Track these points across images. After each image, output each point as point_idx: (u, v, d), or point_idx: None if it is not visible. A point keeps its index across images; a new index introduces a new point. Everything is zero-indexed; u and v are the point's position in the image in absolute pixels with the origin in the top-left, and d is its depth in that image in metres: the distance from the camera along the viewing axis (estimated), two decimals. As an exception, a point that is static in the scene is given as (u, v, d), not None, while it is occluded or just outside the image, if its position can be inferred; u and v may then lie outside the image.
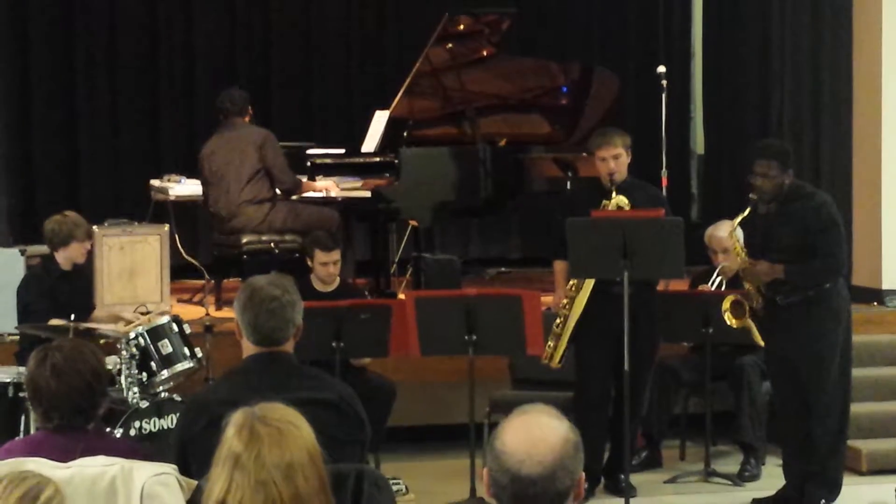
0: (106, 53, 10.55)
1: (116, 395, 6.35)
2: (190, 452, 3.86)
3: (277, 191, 8.70)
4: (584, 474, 2.51)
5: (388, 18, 11.12)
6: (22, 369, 6.21)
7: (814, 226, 6.48)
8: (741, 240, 6.67)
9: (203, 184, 8.75)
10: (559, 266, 7.07)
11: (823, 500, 6.59)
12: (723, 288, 7.30)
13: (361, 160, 9.21)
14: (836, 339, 6.54)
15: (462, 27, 9.36)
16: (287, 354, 3.97)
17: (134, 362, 6.48)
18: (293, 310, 3.93)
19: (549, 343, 6.86)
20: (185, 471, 3.82)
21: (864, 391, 7.93)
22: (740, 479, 7.29)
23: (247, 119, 8.66)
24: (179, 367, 6.66)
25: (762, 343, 6.88)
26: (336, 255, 7.23)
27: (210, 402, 3.94)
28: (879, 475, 7.37)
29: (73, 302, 6.81)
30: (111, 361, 6.44)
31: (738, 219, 6.60)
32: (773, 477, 7.00)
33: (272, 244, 8.55)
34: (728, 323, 6.79)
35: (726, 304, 6.79)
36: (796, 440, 6.67)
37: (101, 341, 6.55)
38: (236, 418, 2.79)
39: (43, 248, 7.21)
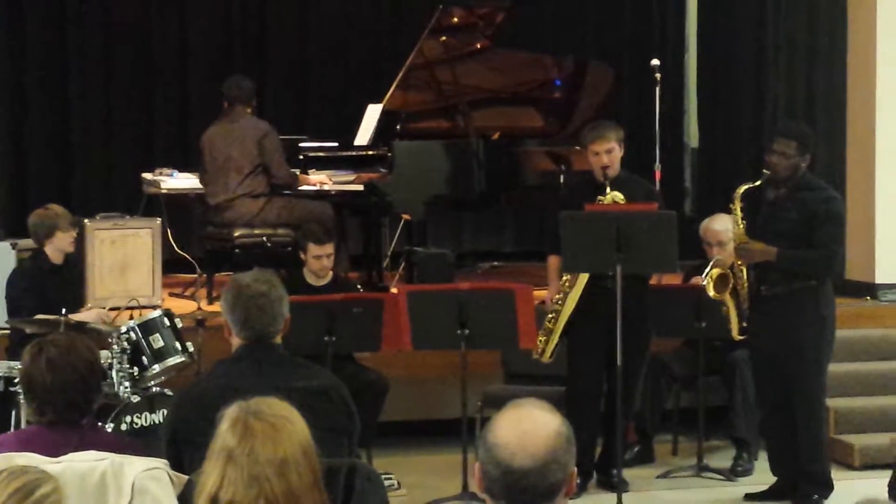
0: (99, 46, 10.52)
1: (108, 389, 6.33)
2: (181, 441, 3.90)
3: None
4: (576, 469, 2.50)
5: (381, 11, 11.10)
6: (12, 363, 6.19)
7: (818, 217, 6.46)
8: (741, 211, 6.59)
9: (201, 170, 8.71)
10: (553, 261, 7.06)
11: (816, 496, 6.59)
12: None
13: (354, 153, 9.20)
14: (819, 336, 6.53)
15: (456, 20, 9.34)
16: (277, 345, 4.03)
17: (125, 356, 6.47)
18: (281, 304, 3.99)
19: (541, 338, 6.86)
20: (176, 459, 3.86)
21: (857, 386, 7.94)
22: (733, 473, 7.28)
23: (249, 110, 8.63)
24: (171, 361, 6.65)
25: (737, 336, 6.87)
26: (329, 248, 7.22)
27: (202, 390, 4.01)
28: (872, 470, 7.37)
29: (64, 296, 6.79)
30: (102, 356, 6.41)
31: (746, 186, 6.55)
32: (765, 472, 6.99)
33: (264, 238, 8.53)
34: (706, 291, 6.74)
35: (713, 273, 6.76)
36: (780, 436, 6.67)
37: (92, 335, 6.51)
38: (230, 413, 2.78)
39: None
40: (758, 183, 6.54)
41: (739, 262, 6.70)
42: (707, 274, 6.78)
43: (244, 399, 2.83)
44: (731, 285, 6.72)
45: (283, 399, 3.70)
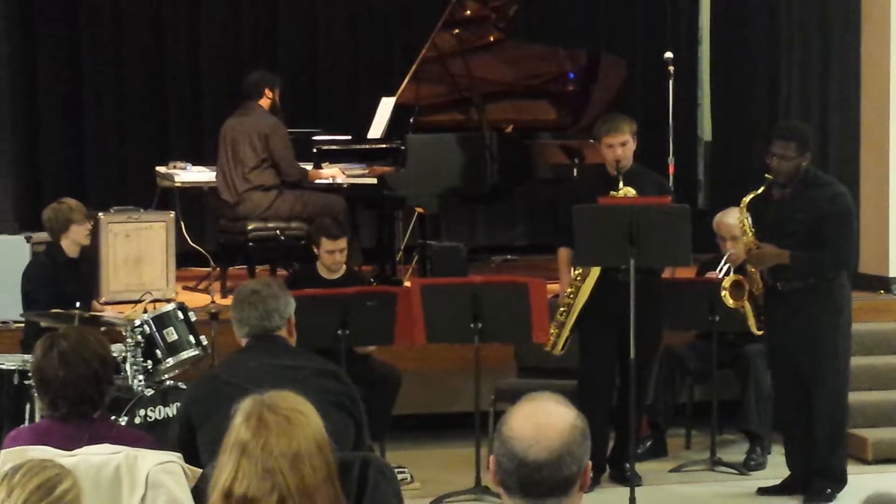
0: (112, 40, 10.53)
1: (121, 382, 6.34)
2: (195, 422, 4.05)
3: (284, 178, 8.70)
4: (590, 463, 2.50)
5: (394, 3, 11.09)
6: (27, 357, 6.21)
7: (827, 215, 6.43)
8: (749, 219, 6.59)
9: (217, 164, 8.74)
10: (563, 254, 7.05)
11: (829, 490, 6.58)
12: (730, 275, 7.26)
13: (367, 147, 9.20)
14: (836, 329, 6.51)
15: (469, 12, 9.33)
16: (281, 338, 4.23)
17: (139, 350, 6.48)
18: (276, 301, 4.20)
19: (553, 331, 6.85)
20: (188, 441, 4.01)
21: (871, 380, 7.91)
22: (746, 467, 7.27)
23: (265, 101, 8.62)
24: (185, 354, 6.65)
25: (757, 331, 6.85)
26: (342, 242, 7.22)
27: (215, 373, 4.30)
28: (885, 464, 7.36)
29: (79, 290, 6.80)
30: (116, 349, 6.44)
31: (750, 196, 6.53)
32: (778, 466, 6.99)
33: (278, 231, 8.54)
34: (724, 301, 6.74)
35: (726, 283, 6.75)
36: (797, 430, 6.66)
37: (106, 329, 6.52)
38: (244, 406, 2.79)
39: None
40: (761, 190, 6.51)
41: (752, 270, 6.68)
42: (720, 286, 6.75)
43: (257, 390, 2.84)
44: (746, 290, 6.70)
45: (293, 375, 3.84)
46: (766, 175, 6.49)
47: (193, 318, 6.79)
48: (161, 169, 9.40)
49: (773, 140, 6.55)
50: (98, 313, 6.83)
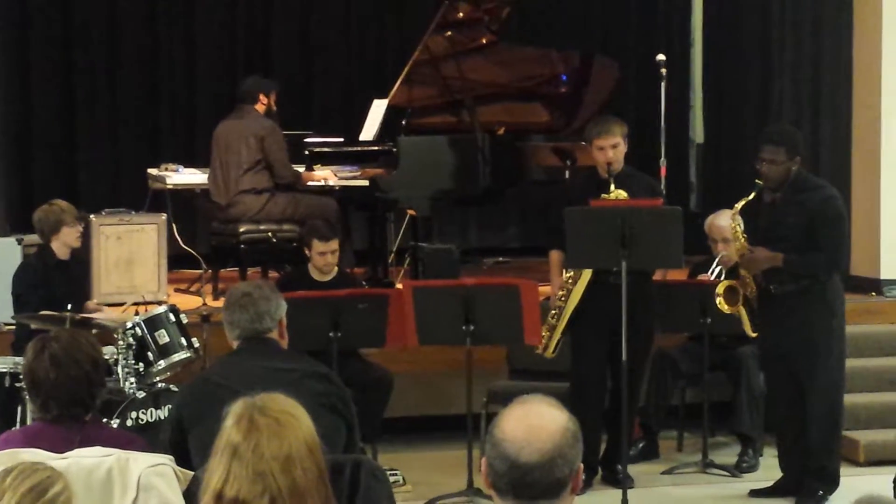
0: (106, 42, 10.51)
1: (113, 385, 6.33)
2: (186, 424, 4.06)
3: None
4: (582, 465, 2.50)
5: (387, 6, 11.09)
6: (18, 359, 6.20)
7: (819, 218, 6.44)
8: (742, 225, 6.61)
9: (210, 167, 8.74)
10: (555, 256, 7.05)
11: (821, 492, 6.58)
12: (722, 277, 7.26)
13: (359, 149, 9.20)
14: (829, 330, 6.53)
15: (461, 15, 9.33)
16: (272, 340, 4.24)
17: (131, 352, 6.47)
18: (267, 303, 4.20)
19: (545, 333, 6.86)
20: (180, 444, 4.01)
21: (862, 382, 7.91)
22: (738, 470, 7.27)
23: (259, 107, 8.63)
24: (176, 357, 6.65)
25: (752, 333, 6.86)
26: (334, 244, 7.22)
27: (207, 375, 4.32)
28: (877, 466, 7.35)
29: (69, 292, 6.79)
30: (108, 351, 6.43)
31: (742, 203, 6.54)
32: (770, 468, 6.99)
33: (270, 234, 8.54)
34: (719, 308, 6.74)
35: (720, 289, 6.75)
36: (791, 432, 6.67)
37: (97, 331, 6.51)
38: (235, 409, 2.79)
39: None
40: (752, 196, 6.51)
41: (744, 274, 6.69)
42: (714, 292, 6.74)
43: (248, 393, 2.84)
44: (740, 295, 6.70)
45: (284, 377, 3.84)
46: (757, 181, 6.50)
47: (185, 321, 6.79)
48: (153, 171, 9.39)
49: (762, 145, 6.55)
50: (89, 315, 6.82)
